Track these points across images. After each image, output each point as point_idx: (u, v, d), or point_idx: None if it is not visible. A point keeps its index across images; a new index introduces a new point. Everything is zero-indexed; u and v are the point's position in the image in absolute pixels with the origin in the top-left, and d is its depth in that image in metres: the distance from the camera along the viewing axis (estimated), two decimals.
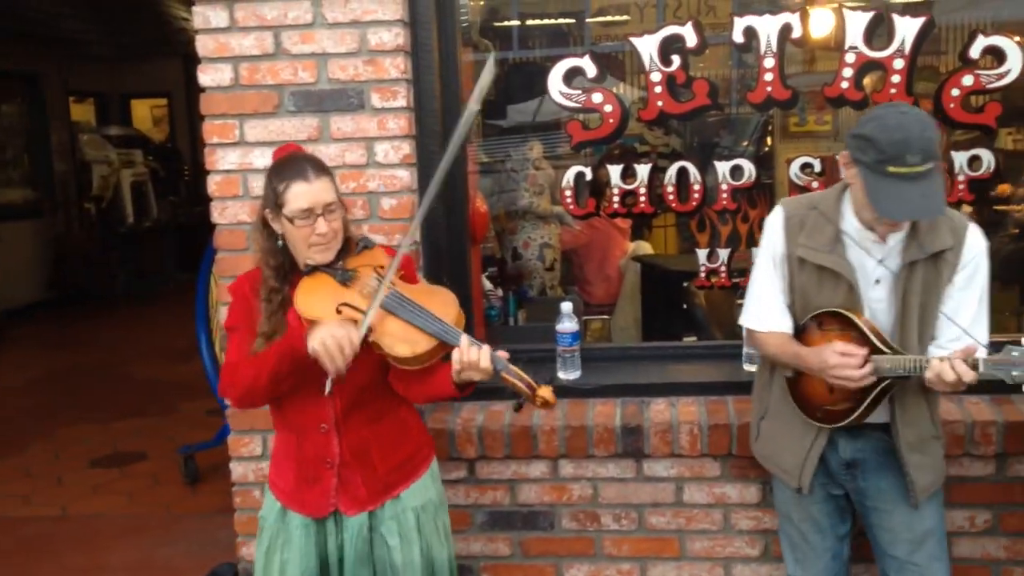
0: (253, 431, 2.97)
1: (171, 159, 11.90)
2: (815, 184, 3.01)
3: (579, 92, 3.00)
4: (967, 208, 3.93)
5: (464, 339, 2.10)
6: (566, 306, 2.96)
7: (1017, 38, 2.85)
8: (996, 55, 2.83)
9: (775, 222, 2.36)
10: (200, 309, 4.55)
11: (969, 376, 2.06)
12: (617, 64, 5.35)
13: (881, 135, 2.06)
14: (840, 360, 2.17)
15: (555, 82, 2.99)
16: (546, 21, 6.74)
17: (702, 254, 3.16)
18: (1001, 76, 2.84)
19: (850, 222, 2.25)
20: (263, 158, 2.83)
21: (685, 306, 4.48)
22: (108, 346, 7.91)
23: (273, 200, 2.14)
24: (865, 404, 2.24)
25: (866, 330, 2.21)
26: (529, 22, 6.61)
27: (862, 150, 2.11)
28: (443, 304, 2.21)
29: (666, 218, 6.20)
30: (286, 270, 2.20)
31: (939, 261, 2.23)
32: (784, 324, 2.36)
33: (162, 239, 10.55)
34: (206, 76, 2.85)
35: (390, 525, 2.28)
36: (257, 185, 2.84)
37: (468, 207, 3.11)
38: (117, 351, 7.70)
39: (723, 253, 3.13)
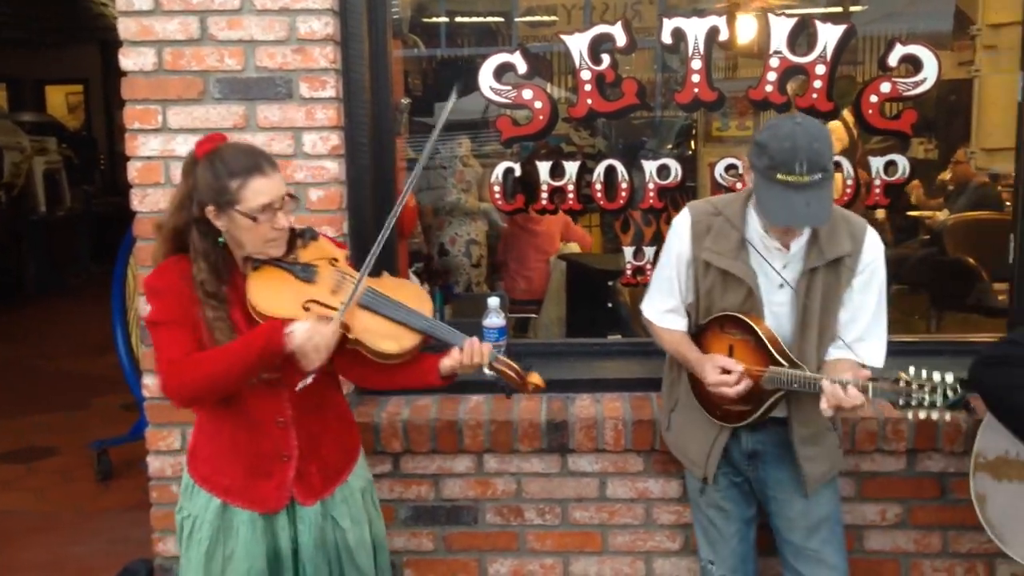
0: (171, 424, 2.90)
1: (86, 147, 11.57)
2: (739, 185, 3.07)
3: (509, 88, 3.01)
4: (881, 213, 4.06)
5: (467, 340, 2.15)
6: (493, 301, 2.97)
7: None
8: (913, 63, 2.93)
9: (682, 226, 2.43)
10: (116, 301, 4.43)
11: (859, 400, 2.12)
12: (545, 64, 5.38)
13: (772, 142, 2.14)
14: (718, 378, 2.28)
15: (485, 77, 3.00)
16: (474, 19, 6.74)
17: (628, 252, 3.20)
18: (917, 84, 2.94)
19: (754, 229, 2.33)
20: (186, 145, 2.75)
21: (610, 304, 4.52)
22: (17, 338, 7.64)
23: (222, 197, 2.05)
24: (762, 409, 2.34)
25: (764, 339, 2.29)
26: (457, 19, 6.61)
27: (757, 156, 2.19)
28: (417, 298, 2.24)
29: (591, 218, 6.26)
30: (221, 269, 2.13)
31: (839, 266, 2.31)
32: (679, 324, 2.48)
33: (76, 229, 10.24)
34: (128, 60, 2.77)
35: (342, 509, 2.29)
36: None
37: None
38: (27, 343, 7.45)
39: (649, 251, 3.17)
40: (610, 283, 4.52)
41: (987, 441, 2.58)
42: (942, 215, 5.91)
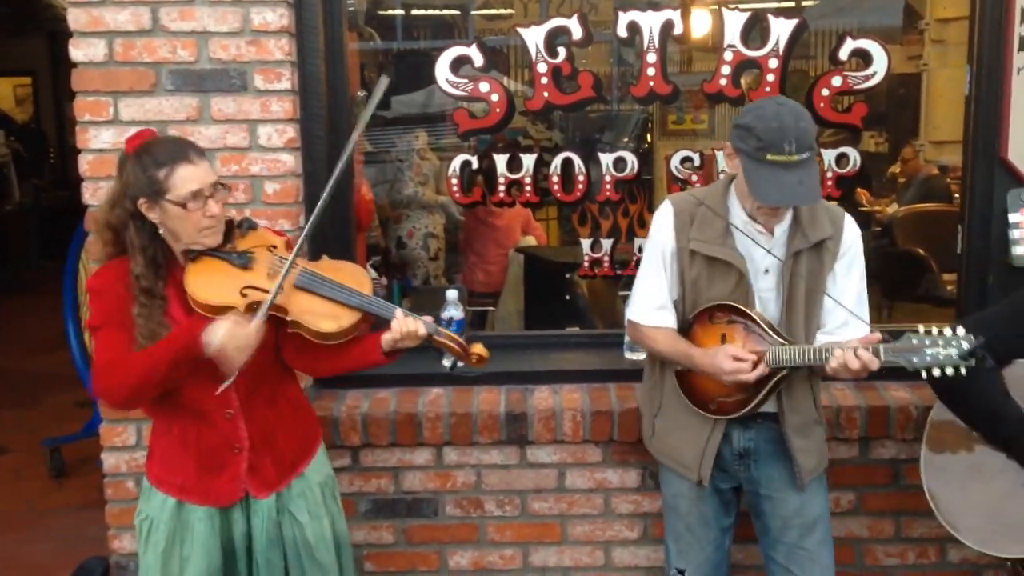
0: (127, 420, 2.86)
1: (36, 140, 11.35)
2: (694, 178, 3.11)
3: (466, 81, 3.01)
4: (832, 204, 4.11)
5: (399, 311, 2.14)
6: (452, 294, 2.97)
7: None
8: (863, 57, 2.98)
9: (664, 218, 2.39)
10: (68, 295, 4.36)
11: (874, 364, 2.15)
12: (501, 57, 5.38)
13: (759, 124, 2.15)
14: (734, 366, 2.23)
15: (442, 70, 2.99)
16: (431, 12, 6.73)
17: (586, 244, 3.22)
18: (868, 78, 2.99)
19: (738, 215, 2.32)
20: None
21: (568, 296, 4.55)
22: None
23: (151, 188, 2.05)
24: (761, 395, 2.30)
25: (759, 322, 2.28)
26: (414, 12, 6.59)
27: (743, 139, 2.19)
28: (354, 276, 2.23)
29: (548, 211, 6.29)
30: (159, 263, 2.12)
31: (821, 250, 2.32)
32: (670, 320, 2.41)
33: (25, 223, 10.03)
34: (78, 51, 2.73)
35: (298, 503, 2.28)
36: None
37: (353, 194, 3.08)
38: None
39: (606, 243, 3.19)
40: (568, 275, 4.54)
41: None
42: (891, 209, 6.02)
